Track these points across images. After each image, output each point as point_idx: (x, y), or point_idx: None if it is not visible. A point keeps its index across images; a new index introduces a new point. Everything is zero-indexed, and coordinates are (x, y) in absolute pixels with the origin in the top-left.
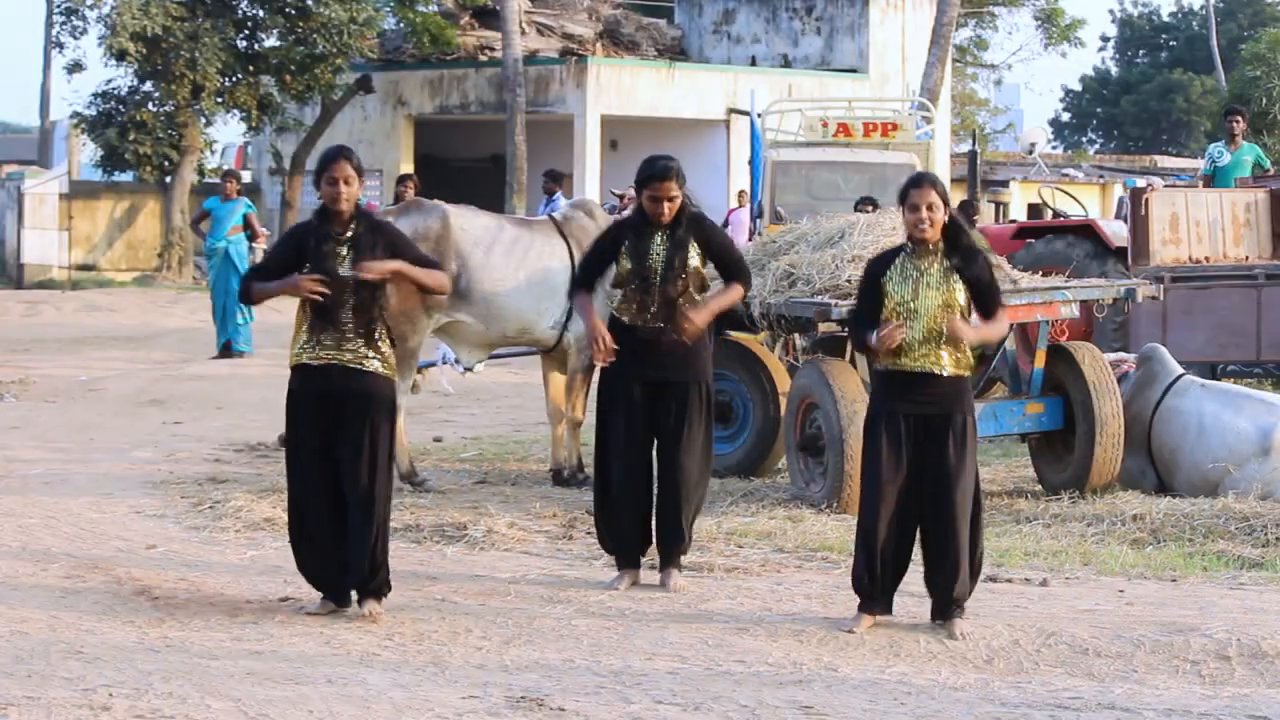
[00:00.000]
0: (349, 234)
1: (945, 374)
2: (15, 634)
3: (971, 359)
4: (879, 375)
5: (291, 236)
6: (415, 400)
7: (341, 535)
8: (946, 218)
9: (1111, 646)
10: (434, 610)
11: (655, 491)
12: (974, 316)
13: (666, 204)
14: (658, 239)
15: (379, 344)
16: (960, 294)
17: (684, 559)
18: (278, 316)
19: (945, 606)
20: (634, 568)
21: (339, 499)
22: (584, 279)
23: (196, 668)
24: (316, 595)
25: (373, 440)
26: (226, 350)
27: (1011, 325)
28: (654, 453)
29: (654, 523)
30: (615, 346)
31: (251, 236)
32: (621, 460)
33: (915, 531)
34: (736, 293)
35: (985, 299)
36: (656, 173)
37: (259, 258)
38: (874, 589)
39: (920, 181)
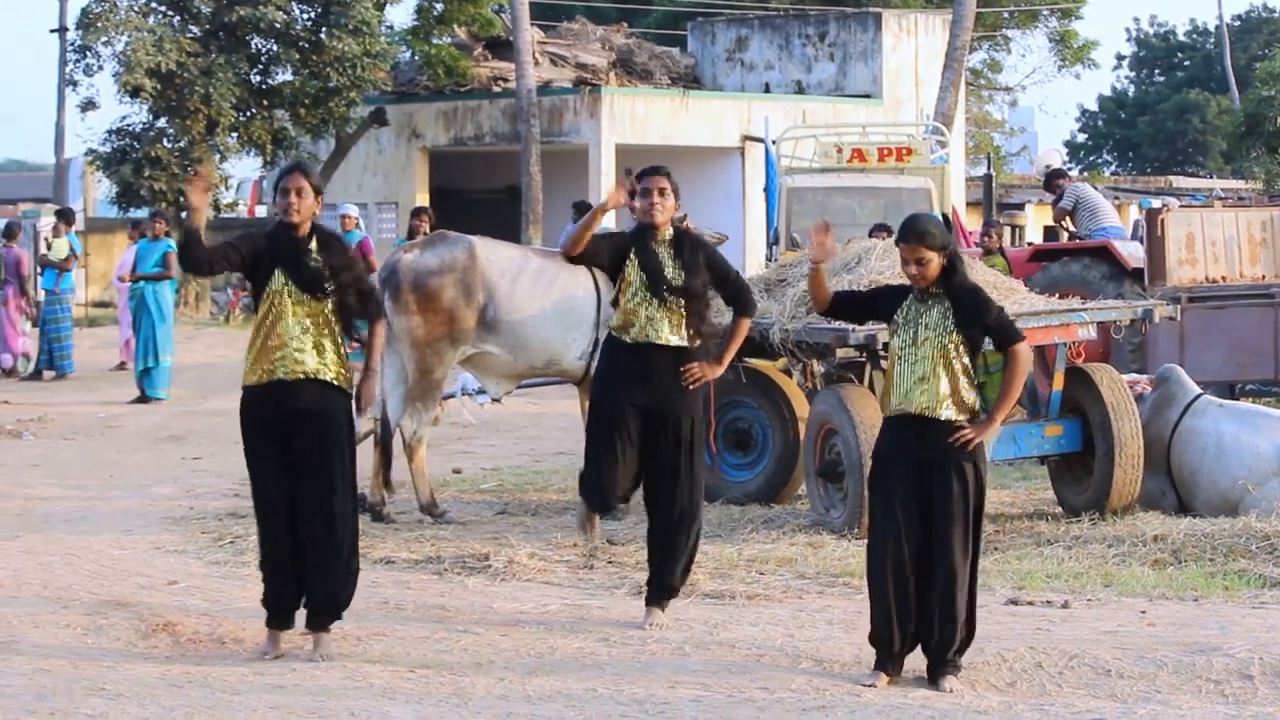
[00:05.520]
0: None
1: (945, 418)
2: (38, 671)
3: (976, 401)
4: (885, 421)
5: (247, 240)
6: (434, 432)
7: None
8: (945, 260)
9: (1134, 668)
10: (456, 641)
11: (649, 526)
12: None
13: (657, 196)
14: (662, 253)
15: (334, 355)
16: (958, 338)
17: (706, 586)
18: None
19: (938, 668)
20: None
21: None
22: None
23: (220, 703)
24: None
25: (331, 453)
26: (143, 397)
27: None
28: (644, 486)
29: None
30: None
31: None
32: (597, 481)
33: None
34: (744, 328)
35: (998, 336)
36: (646, 169)
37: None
38: (888, 649)
39: (906, 236)
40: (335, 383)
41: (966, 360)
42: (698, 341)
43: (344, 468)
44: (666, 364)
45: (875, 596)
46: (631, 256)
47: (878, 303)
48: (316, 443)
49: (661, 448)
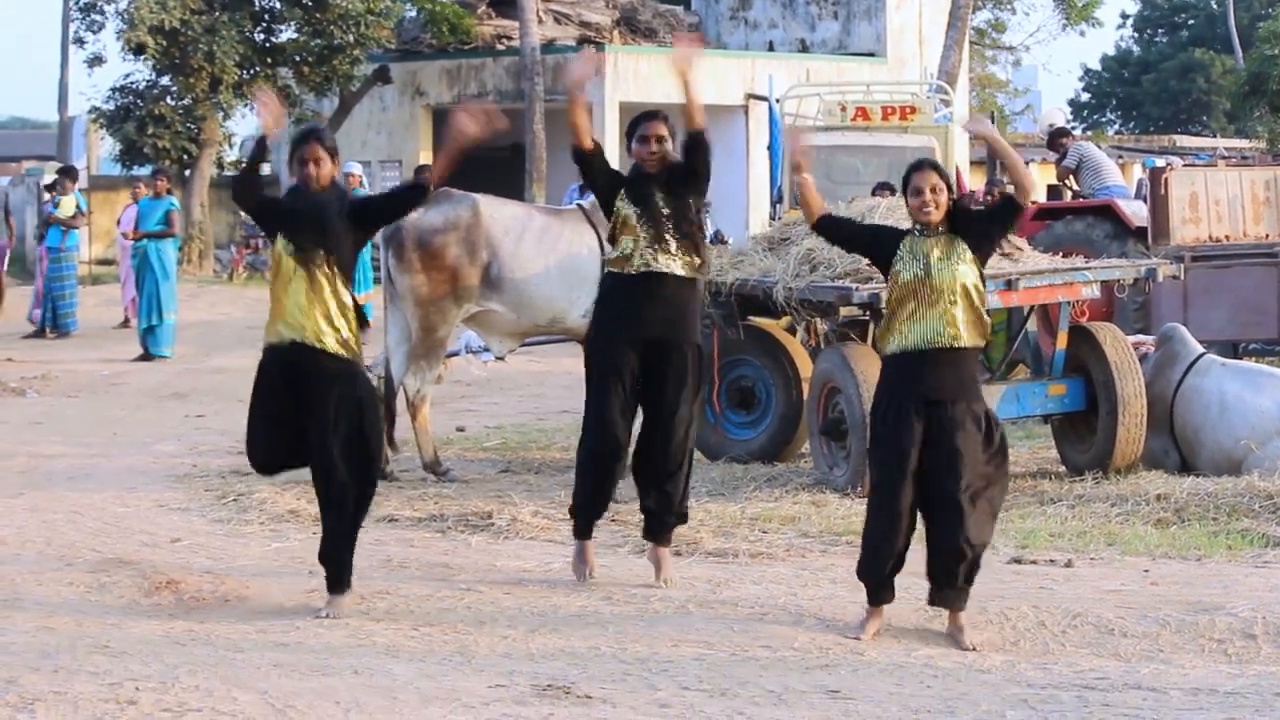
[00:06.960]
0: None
1: (962, 345)
2: (41, 629)
3: (988, 328)
4: (889, 359)
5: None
6: (438, 390)
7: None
8: (951, 203)
9: (1137, 627)
10: (459, 599)
11: (644, 460)
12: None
13: (655, 142)
14: (652, 186)
15: (341, 318)
16: (971, 270)
17: (710, 545)
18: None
19: (943, 593)
20: (587, 537)
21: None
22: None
23: (222, 660)
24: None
25: (339, 417)
26: (146, 355)
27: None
28: (643, 418)
29: (643, 497)
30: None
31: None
32: (600, 429)
33: (915, 520)
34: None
35: (998, 212)
36: (645, 114)
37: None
38: (880, 574)
39: (921, 165)
40: (339, 352)
41: (979, 283)
42: (699, 267)
43: (360, 421)
44: (668, 293)
45: (878, 528)
46: (622, 193)
47: (873, 240)
48: (330, 400)
49: (661, 379)
